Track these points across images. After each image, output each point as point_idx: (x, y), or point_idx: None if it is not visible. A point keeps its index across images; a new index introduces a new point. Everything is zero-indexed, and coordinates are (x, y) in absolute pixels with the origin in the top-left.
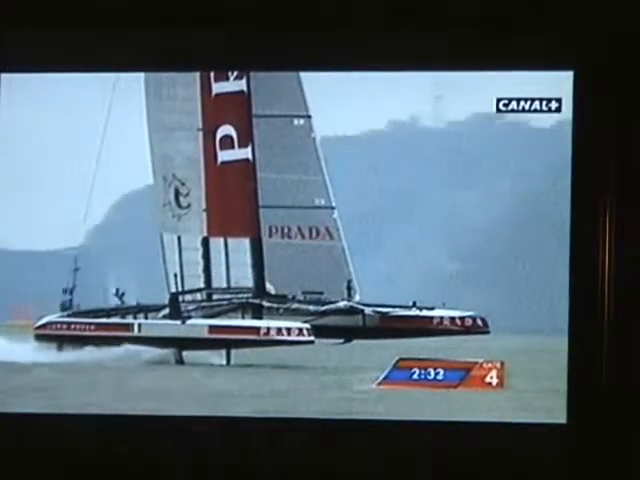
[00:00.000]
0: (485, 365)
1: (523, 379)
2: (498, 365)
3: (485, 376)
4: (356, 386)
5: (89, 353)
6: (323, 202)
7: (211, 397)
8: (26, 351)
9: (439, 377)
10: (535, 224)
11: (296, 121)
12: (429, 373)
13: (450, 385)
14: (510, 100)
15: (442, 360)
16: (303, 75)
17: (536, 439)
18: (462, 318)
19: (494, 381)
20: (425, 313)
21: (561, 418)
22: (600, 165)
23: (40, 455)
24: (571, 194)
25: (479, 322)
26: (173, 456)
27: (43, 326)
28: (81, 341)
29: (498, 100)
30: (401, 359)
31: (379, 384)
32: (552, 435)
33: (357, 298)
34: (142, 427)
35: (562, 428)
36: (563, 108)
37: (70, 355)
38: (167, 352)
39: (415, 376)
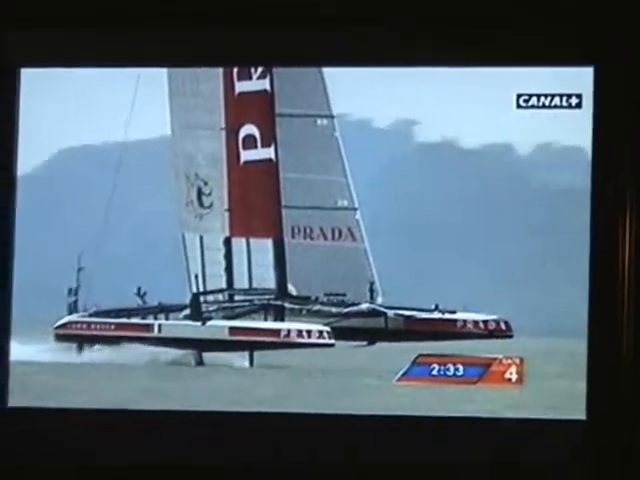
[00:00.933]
0: (505, 361)
1: (543, 376)
2: (517, 361)
3: (505, 372)
4: (375, 382)
5: (108, 353)
6: (346, 203)
7: (234, 396)
8: (45, 351)
9: (458, 373)
10: (555, 225)
11: (319, 121)
12: (448, 369)
13: (469, 381)
14: (530, 96)
15: (461, 356)
16: (326, 75)
17: (555, 435)
18: (485, 321)
19: (514, 377)
20: (448, 316)
21: (581, 415)
22: (620, 163)
23: (63, 451)
24: (591, 192)
25: (502, 325)
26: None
27: (63, 326)
28: (101, 341)
29: (518, 96)
30: (420, 355)
31: (399, 380)
32: (572, 432)
33: (379, 300)
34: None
35: (582, 425)
36: (583, 104)
37: (89, 354)
38: (187, 353)
39: (434, 372)
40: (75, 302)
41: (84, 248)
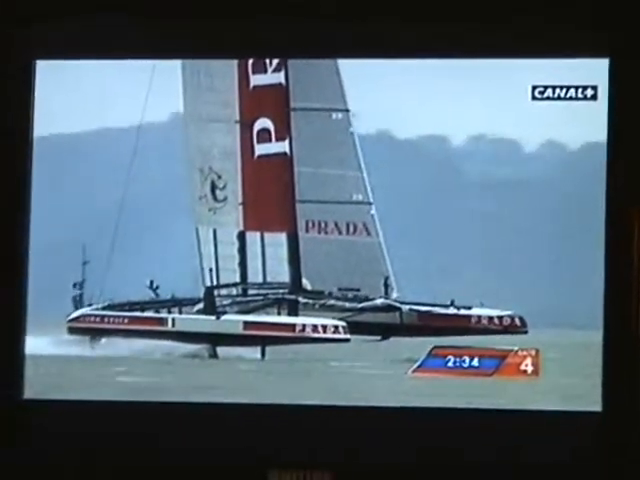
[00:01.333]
0: (520, 353)
1: (558, 368)
2: (533, 353)
3: (520, 364)
4: (389, 373)
5: (122, 346)
6: (361, 197)
7: (246, 388)
8: (58, 344)
9: (474, 364)
10: (571, 218)
11: (334, 115)
12: (464, 361)
13: (485, 373)
14: (546, 88)
15: (477, 348)
16: (342, 68)
17: (571, 427)
18: (500, 317)
19: (529, 369)
20: (462, 312)
21: (596, 406)
22: (636, 155)
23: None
24: (606, 185)
25: (517, 321)
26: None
27: (76, 319)
28: (114, 334)
29: (534, 88)
30: (436, 347)
31: (414, 372)
32: (587, 423)
33: (394, 295)
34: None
35: (597, 416)
36: (599, 95)
37: (103, 348)
38: (201, 347)
39: (450, 364)
40: (80, 295)
41: (91, 241)
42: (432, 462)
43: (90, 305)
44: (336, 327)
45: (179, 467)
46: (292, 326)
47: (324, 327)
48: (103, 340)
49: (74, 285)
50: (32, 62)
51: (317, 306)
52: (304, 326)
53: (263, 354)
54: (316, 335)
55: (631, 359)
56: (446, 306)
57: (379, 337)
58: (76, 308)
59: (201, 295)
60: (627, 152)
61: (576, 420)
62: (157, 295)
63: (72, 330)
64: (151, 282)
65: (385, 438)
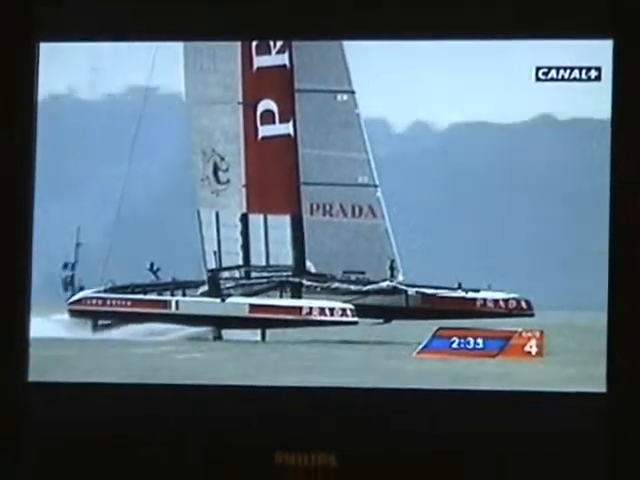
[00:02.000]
0: (524, 334)
1: (562, 349)
2: (537, 334)
3: (524, 345)
4: (395, 355)
5: (124, 329)
6: (366, 180)
7: (249, 369)
8: (60, 326)
9: (478, 346)
10: (576, 200)
11: (340, 96)
12: (468, 342)
13: (489, 354)
14: (549, 69)
15: (481, 329)
16: (347, 49)
17: (576, 408)
18: (506, 300)
19: (533, 350)
20: (470, 295)
21: (601, 387)
22: None
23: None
24: (610, 166)
25: (523, 304)
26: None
27: (78, 301)
28: (116, 317)
29: (537, 69)
30: (440, 328)
31: (419, 353)
32: (592, 404)
33: (400, 278)
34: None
35: (602, 397)
36: (602, 77)
37: (105, 330)
38: (206, 330)
39: (455, 345)
40: (71, 277)
41: (90, 224)
42: (436, 444)
43: (82, 288)
44: (344, 310)
45: (184, 449)
46: (299, 309)
47: (331, 310)
48: (106, 322)
49: (64, 266)
50: (35, 44)
51: (320, 289)
52: (311, 309)
53: (263, 336)
54: (323, 318)
55: (635, 340)
56: (453, 289)
57: (384, 320)
58: (65, 290)
59: (204, 278)
60: (631, 133)
61: (580, 401)
62: (157, 278)
63: (73, 313)
64: (151, 264)
65: (389, 420)
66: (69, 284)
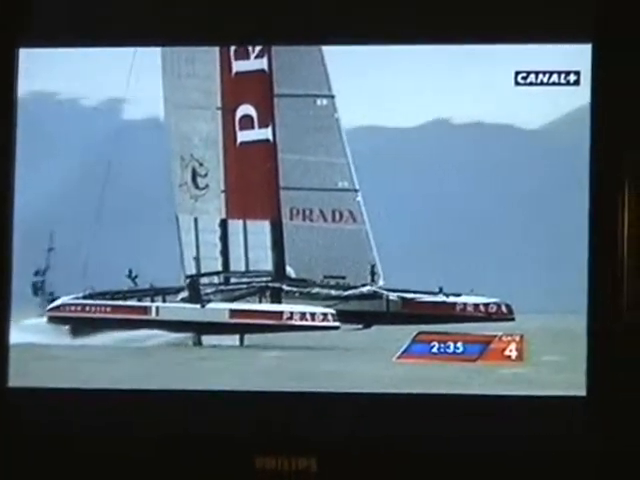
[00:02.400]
0: (505, 338)
1: (542, 353)
2: (517, 338)
3: (504, 349)
4: (375, 360)
5: (104, 335)
6: (346, 184)
7: (230, 375)
8: (39, 333)
9: (458, 350)
10: (555, 203)
11: (319, 101)
12: (448, 346)
13: (469, 359)
14: (528, 73)
15: (461, 334)
16: (327, 54)
17: (555, 412)
18: (486, 304)
19: (513, 354)
20: (450, 299)
21: (581, 391)
22: (618, 140)
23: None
24: (589, 170)
25: (504, 309)
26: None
27: (57, 308)
28: (96, 323)
29: (516, 73)
30: (420, 332)
31: (398, 358)
32: (572, 408)
33: (381, 283)
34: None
35: (582, 401)
36: (581, 81)
37: (84, 337)
38: (185, 336)
39: (434, 349)
40: (42, 282)
41: (56, 229)
42: (416, 448)
43: (52, 293)
44: (325, 315)
45: (164, 455)
46: (280, 314)
47: (312, 315)
48: (84, 329)
49: (36, 272)
50: (15, 50)
51: (300, 294)
52: (292, 314)
53: (242, 341)
54: (305, 323)
55: (615, 344)
56: (434, 293)
57: (364, 325)
58: (35, 295)
59: (182, 283)
60: (609, 137)
61: (560, 405)
62: (136, 284)
63: (52, 319)
64: (130, 271)
65: (370, 424)
66: (39, 289)
